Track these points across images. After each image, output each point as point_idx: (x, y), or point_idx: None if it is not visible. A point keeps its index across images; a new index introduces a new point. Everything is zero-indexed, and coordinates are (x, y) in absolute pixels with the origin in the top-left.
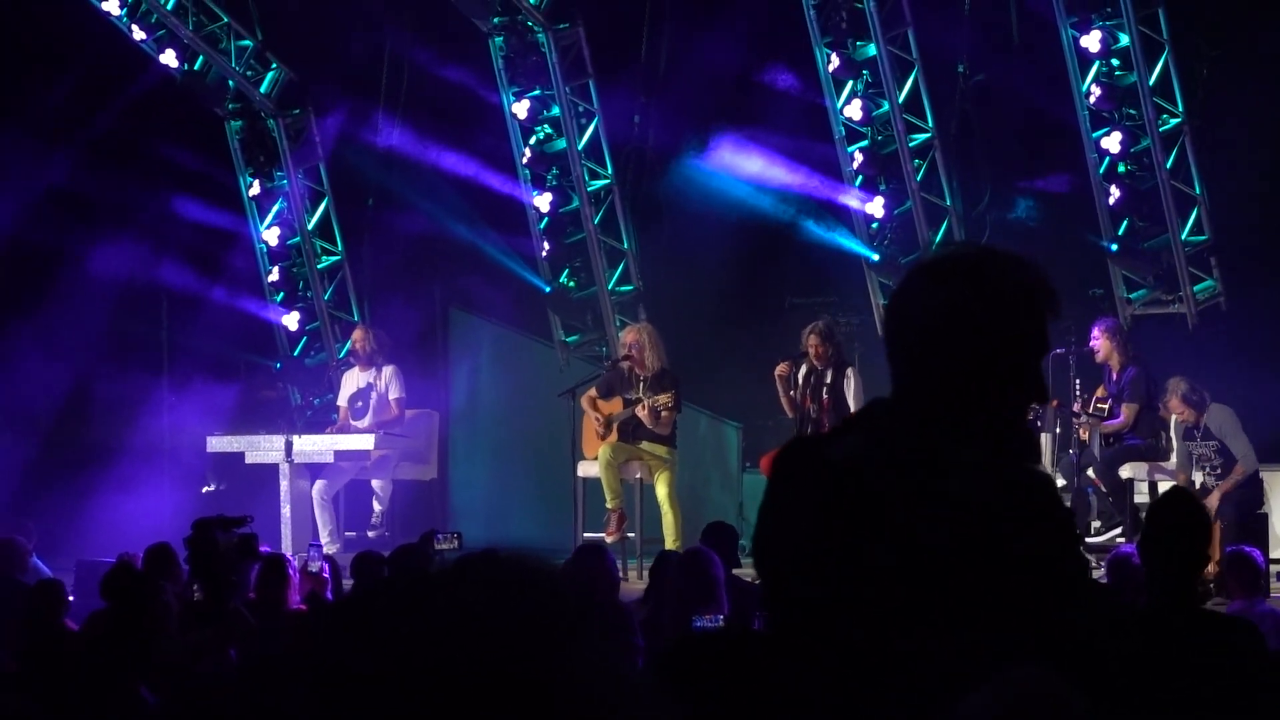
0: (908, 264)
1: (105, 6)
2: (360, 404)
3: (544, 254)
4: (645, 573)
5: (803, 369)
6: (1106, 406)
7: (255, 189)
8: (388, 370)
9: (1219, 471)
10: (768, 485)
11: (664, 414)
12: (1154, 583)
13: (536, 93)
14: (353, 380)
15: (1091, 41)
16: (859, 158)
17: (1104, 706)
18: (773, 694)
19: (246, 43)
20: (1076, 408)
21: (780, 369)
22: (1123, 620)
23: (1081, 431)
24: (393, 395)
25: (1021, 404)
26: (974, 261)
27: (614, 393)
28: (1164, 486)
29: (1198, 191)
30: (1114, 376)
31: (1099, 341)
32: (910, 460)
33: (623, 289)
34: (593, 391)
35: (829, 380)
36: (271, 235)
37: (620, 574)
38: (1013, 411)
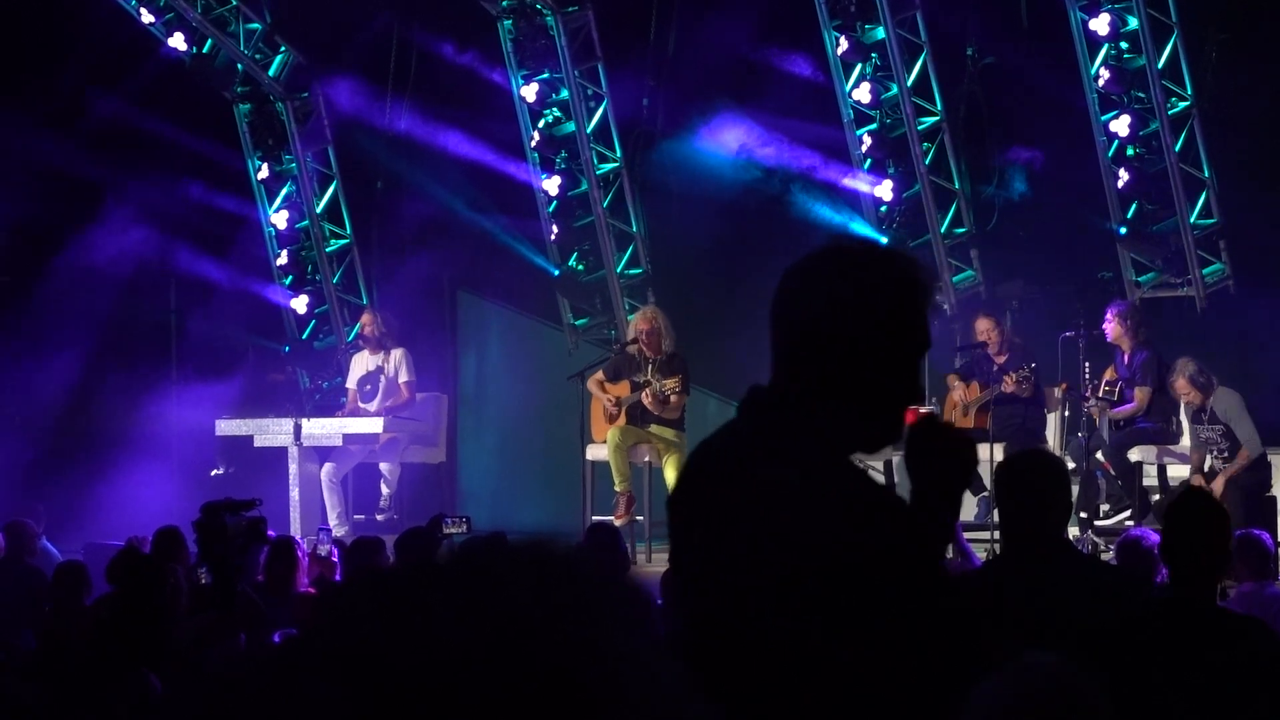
0: (916, 247)
1: None
2: (369, 387)
3: (552, 237)
4: (653, 556)
5: None
6: (1116, 389)
7: (264, 172)
8: (397, 353)
9: (1225, 455)
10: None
11: (672, 398)
12: (1175, 581)
13: (545, 76)
14: (362, 363)
15: (1100, 24)
16: (867, 141)
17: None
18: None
19: (255, 26)
20: (1087, 392)
21: None
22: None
23: (1094, 413)
24: (402, 379)
25: (893, 399)
26: (851, 255)
27: (621, 376)
28: (1173, 470)
29: (1206, 174)
30: (1125, 360)
31: (1111, 324)
32: (739, 447)
33: (631, 272)
34: (600, 375)
35: None
36: (280, 219)
37: (630, 557)
38: (883, 407)
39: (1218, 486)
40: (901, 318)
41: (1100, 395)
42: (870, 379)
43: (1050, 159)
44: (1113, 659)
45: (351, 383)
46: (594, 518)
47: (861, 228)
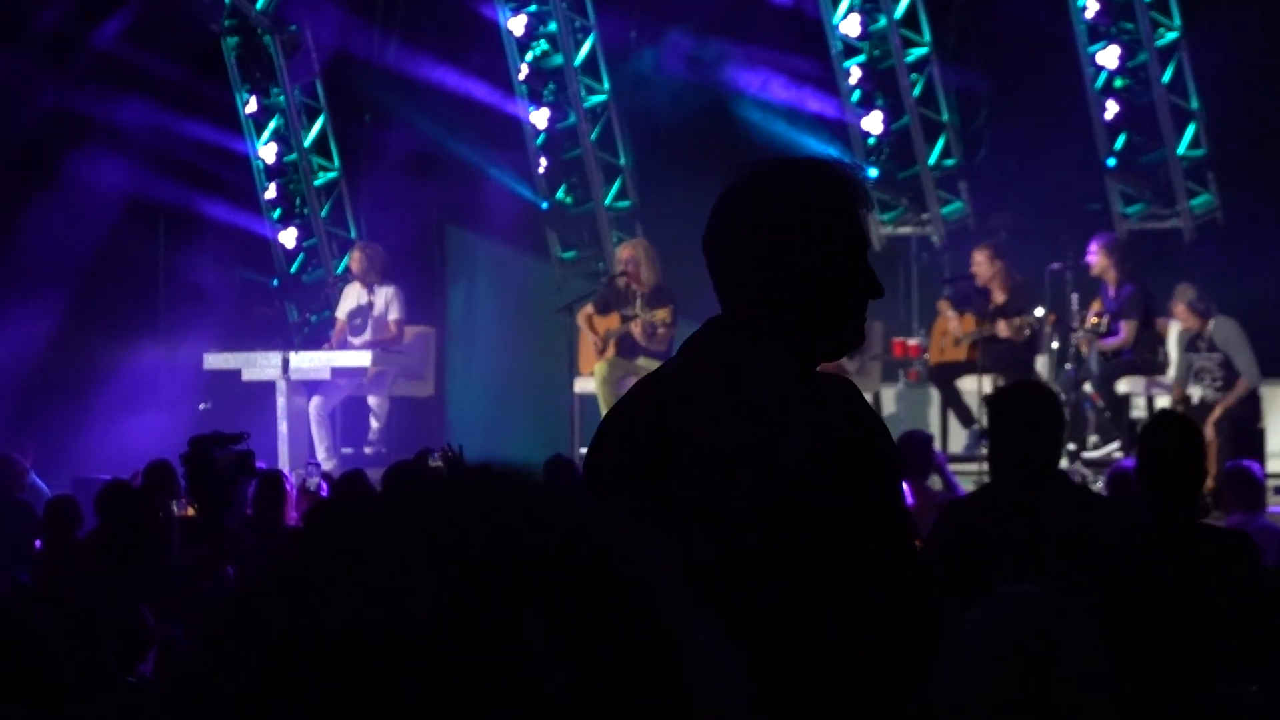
0: (904, 179)
1: None
2: (359, 321)
3: (540, 170)
4: None
5: None
6: (1101, 321)
7: (252, 106)
8: (387, 290)
9: (1219, 385)
10: (607, 413)
11: (660, 330)
12: (1154, 503)
13: (533, 8)
14: (354, 295)
15: None
16: (856, 73)
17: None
18: None
19: None
20: (1075, 323)
21: None
22: (1124, 532)
23: (1082, 346)
24: (392, 316)
25: (846, 303)
26: (773, 171)
27: (610, 309)
28: (1161, 401)
29: (1194, 106)
30: (1111, 293)
31: (1095, 257)
32: (713, 370)
33: (620, 205)
34: (589, 308)
35: None
36: (268, 152)
37: None
38: (838, 312)
39: (1214, 417)
40: (832, 219)
41: (1087, 327)
42: (819, 287)
43: (1038, 90)
44: (1103, 583)
45: (341, 314)
46: (582, 450)
47: (850, 160)
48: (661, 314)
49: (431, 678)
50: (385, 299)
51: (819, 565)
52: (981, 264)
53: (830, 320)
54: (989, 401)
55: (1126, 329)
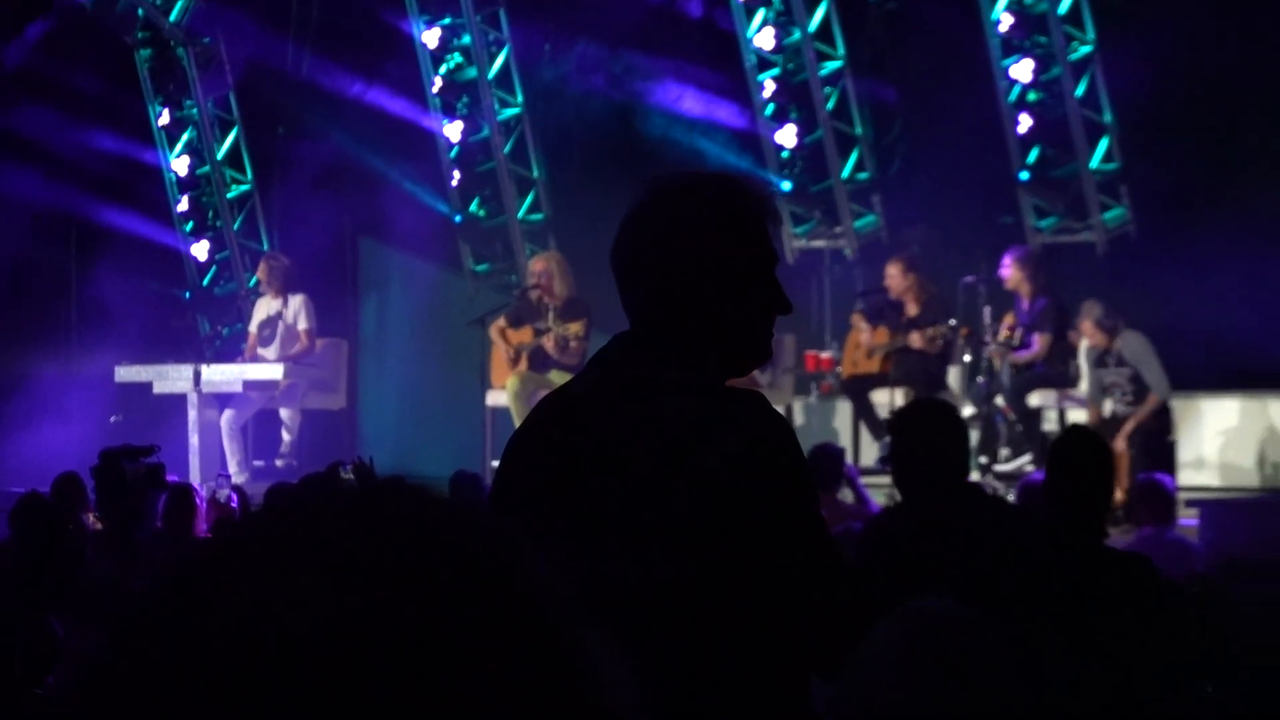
0: (818, 192)
1: None
2: (268, 332)
3: (454, 183)
4: None
5: None
6: (1014, 334)
7: (165, 118)
8: (296, 300)
9: (1130, 399)
10: (516, 431)
11: (573, 344)
12: (1058, 519)
13: (447, 21)
14: (264, 307)
15: None
16: (770, 86)
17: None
18: None
19: None
20: (988, 337)
21: None
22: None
23: (995, 359)
24: (301, 325)
25: (759, 316)
26: (680, 185)
27: (523, 322)
28: (1073, 414)
29: (1107, 120)
30: (1025, 306)
31: (1009, 270)
32: (626, 386)
33: (533, 218)
34: (502, 321)
35: None
36: (181, 164)
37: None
38: (750, 328)
39: (1126, 431)
40: (739, 234)
41: (1000, 340)
42: (727, 302)
43: (952, 104)
44: (1009, 599)
45: (253, 327)
46: (494, 464)
47: (764, 174)
48: (574, 328)
49: (330, 688)
50: (295, 308)
51: (739, 576)
52: (895, 277)
53: (738, 335)
54: (891, 421)
55: (1040, 342)
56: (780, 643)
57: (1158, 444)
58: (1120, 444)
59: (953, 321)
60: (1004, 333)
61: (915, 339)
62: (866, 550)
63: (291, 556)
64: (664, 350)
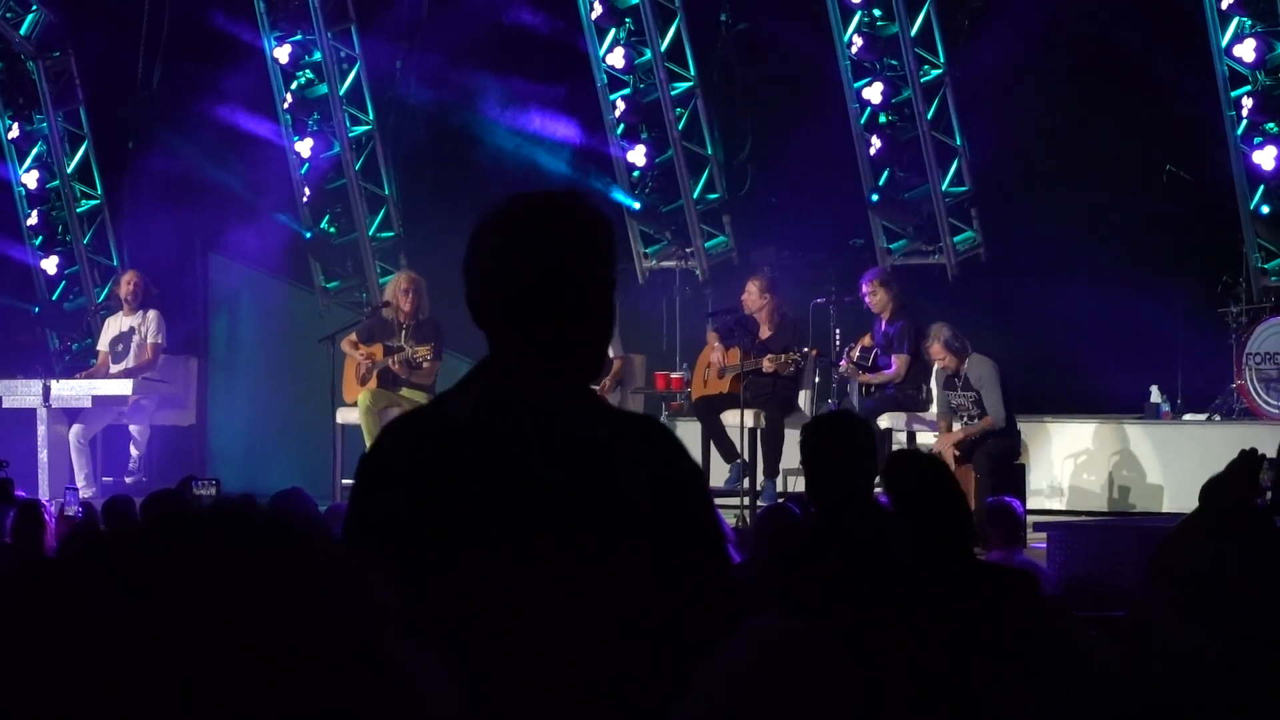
0: (669, 212)
1: None
2: (121, 348)
3: (304, 199)
4: None
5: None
6: (871, 356)
7: (14, 132)
8: (150, 315)
9: (975, 422)
10: (369, 455)
11: (425, 364)
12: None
13: (299, 37)
14: (116, 324)
15: None
16: (621, 106)
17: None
18: None
19: None
20: (841, 359)
21: None
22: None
23: (860, 378)
24: (150, 340)
25: (599, 335)
26: (548, 203)
27: (375, 339)
28: (922, 437)
29: (958, 143)
30: (883, 327)
31: (873, 293)
32: (524, 406)
33: (384, 235)
34: (353, 336)
35: None
36: (30, 179)
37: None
38: (595, 342)
39: (952, 440)
40: (609, 250)
41: (856, 360)
42: (598, 318)
43: (803, 125)
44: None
45: (103, 344)
46: (344, 481)
47: (615, 194)
48: (424, 350)
49: (167, 701)
50: (147, 323)
51: (633, 588)
52: (753, 294)
53: (601, 350)
54: (805, 432)
55: (898, 363)
56: (655, 652)
57: (1006, 467)
58: (948, 452)
59: (805, 349)
60: (855, 354)
61: (766, 364)
62: (773, 561)
63: (107, 580)
64: (543, 367)
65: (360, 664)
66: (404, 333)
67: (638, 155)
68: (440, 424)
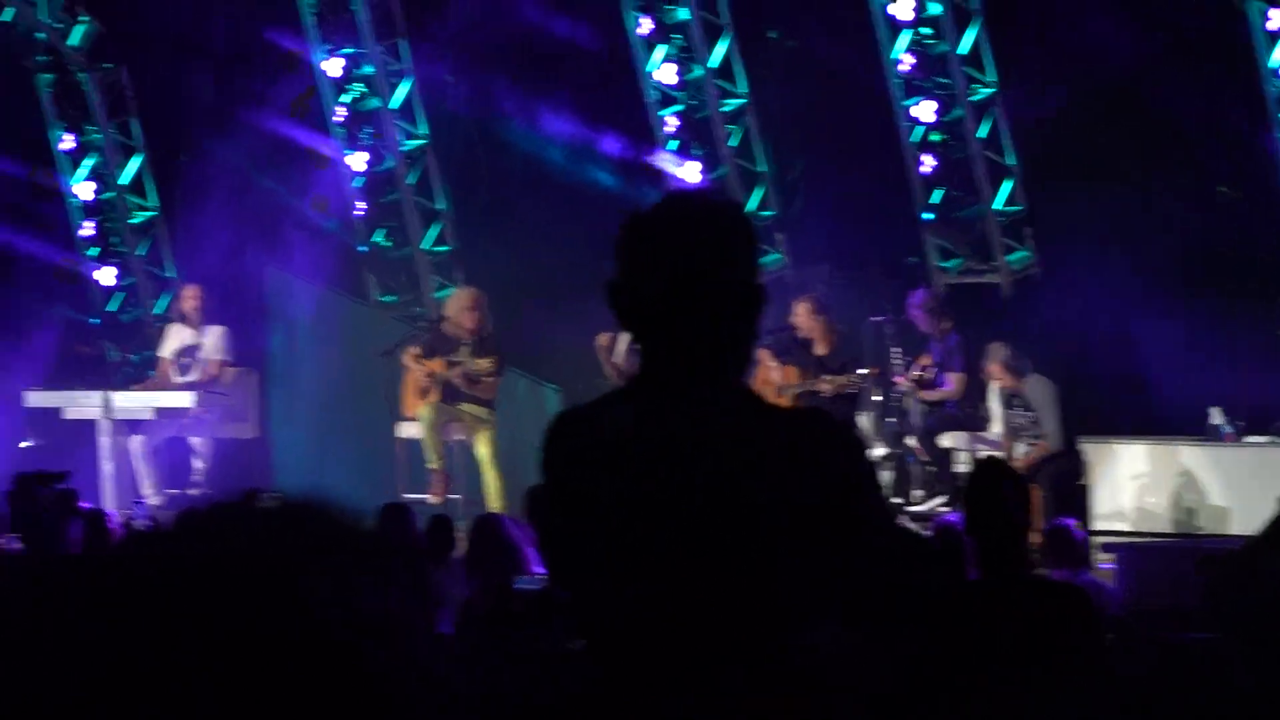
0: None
1: None
2: (186, 360)
3: (358, 213)
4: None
5: (623, 338)
6: (927, 371)
7: (67, 143)
8: (216, 330)
9: (1036, 442)
10: (547, 451)
11: (485, 379)
12: (983, 555)
13: (349, 51)
14: (178, 335)
15: (902, 9)
16: (672, 122)
17: (936, 672)
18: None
19: None
20: (900, 379)
21: (601, 339)
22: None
23: (907, 400)
24: (216, 356)
25: (752, 335)
26: (708, 208)
27: (436, 353)
28: (984, 455)
29: (1010, 161)
30: (938, 345)
31: (920, 313)
32: (686, 410)
33: (439, 250)
34: (416, 350)
35: None
36: (85, 190)
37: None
38: (746, 344)
39: (1021, 469)
40: (732, 257)
41: (913, 377)
42: (728, 322)
43: (855, 143)
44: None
45: (166, 353)
46: (405, 495)
47: None
48: (485, 364)
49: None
50: (212, 339)
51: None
52: (802, 315)
53: (740, 352)
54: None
55: (955, 381)
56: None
57: (1068, 489)
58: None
59: (863, 371)
60: (916, 372)
61: (825, 387)
62: None
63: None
64: (712, 368)
65: (335, 670)
66: (466, 348)
67: (690, 171)
68: (609, 429)
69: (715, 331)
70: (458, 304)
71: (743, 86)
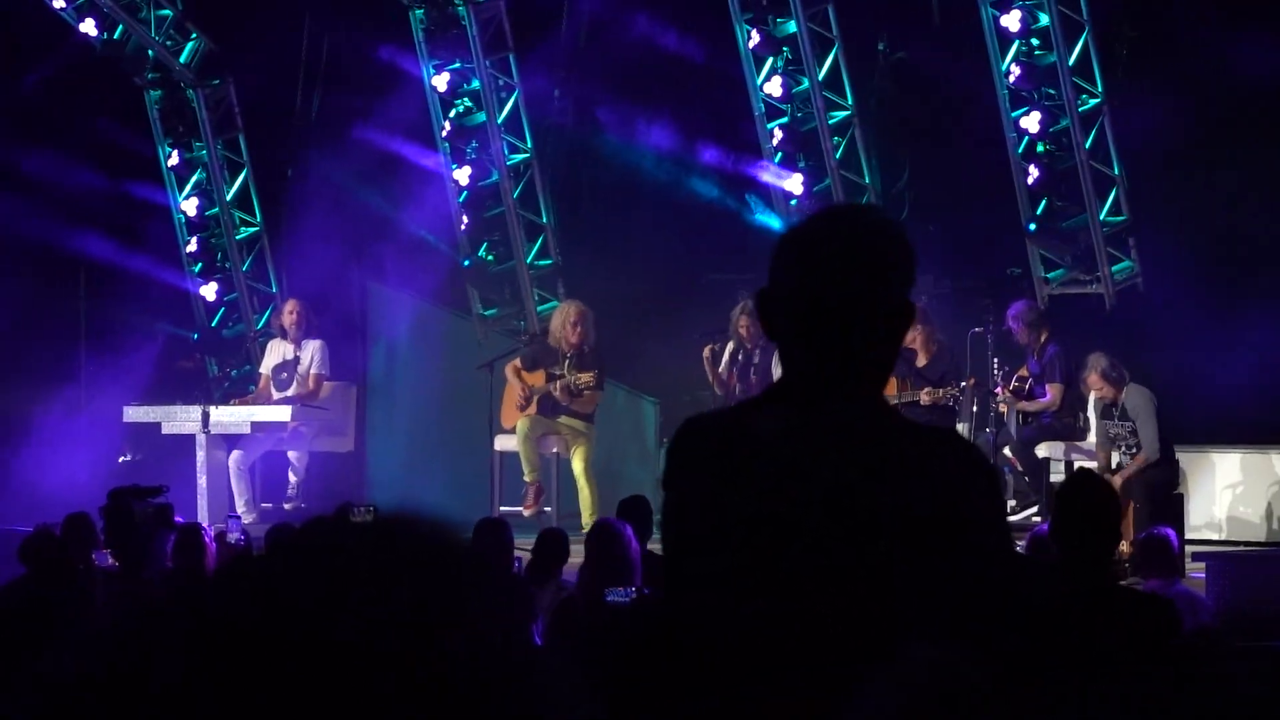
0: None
1: None
2: (285, 375)
3: (462, 227)
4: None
5: (729, 348)
6: (1026, 385)
7: (174, 159)
8: (314, 345)
9: (1134, 451)
10: (675, 457)
11: (586, 393)
12: (1069, 565)
13: (457, 66)
14: (279, 350)
15: (1011, 21)
16: (778, 134)
17: (1023, 684)
18: (677, 666)
19: (166, 12)
20: (999, 390)
21: (706, 351)
22: (1047, 596)
23: (1003, 409)
24: (313, 370)
25: (894, 353)
26: (873, 226)
27: (538, 366)
28: (1080, 465)
29: (1116, 172)
30: (1035, 356)
31: (1018, 325)
32: (826, 424)
33: (541, 263)
34: (517, 362)
35: (756, 360)
36: (190, 206)
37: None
38: (887, 362)
39: (1115, 484)
40: (884, 276)
41: (1012, 388)
42: (875, 341)
43: (960, 154)
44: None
45: (266, 368)
46: (501, 508)
47: (771, 221)
48: (586, 377)
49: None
50: (311, 353)
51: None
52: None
53: (880, 369)
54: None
55: (1053, 391)
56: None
57: (1165, 498)
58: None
59: (964, 383)
60: (1015, 383)
61: (924, 398)
62: None
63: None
64: (854, 383)
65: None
66: (568, 361)
67: (795, 184)
68: (746, 439)
69: (864, 350)
70: (562, 318)
71: (849, 99)
